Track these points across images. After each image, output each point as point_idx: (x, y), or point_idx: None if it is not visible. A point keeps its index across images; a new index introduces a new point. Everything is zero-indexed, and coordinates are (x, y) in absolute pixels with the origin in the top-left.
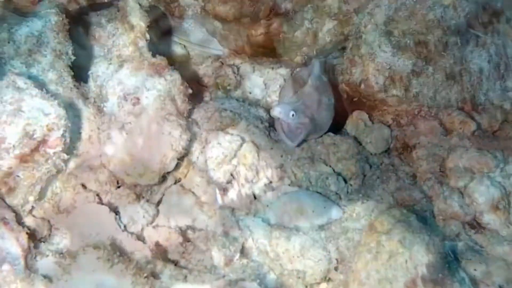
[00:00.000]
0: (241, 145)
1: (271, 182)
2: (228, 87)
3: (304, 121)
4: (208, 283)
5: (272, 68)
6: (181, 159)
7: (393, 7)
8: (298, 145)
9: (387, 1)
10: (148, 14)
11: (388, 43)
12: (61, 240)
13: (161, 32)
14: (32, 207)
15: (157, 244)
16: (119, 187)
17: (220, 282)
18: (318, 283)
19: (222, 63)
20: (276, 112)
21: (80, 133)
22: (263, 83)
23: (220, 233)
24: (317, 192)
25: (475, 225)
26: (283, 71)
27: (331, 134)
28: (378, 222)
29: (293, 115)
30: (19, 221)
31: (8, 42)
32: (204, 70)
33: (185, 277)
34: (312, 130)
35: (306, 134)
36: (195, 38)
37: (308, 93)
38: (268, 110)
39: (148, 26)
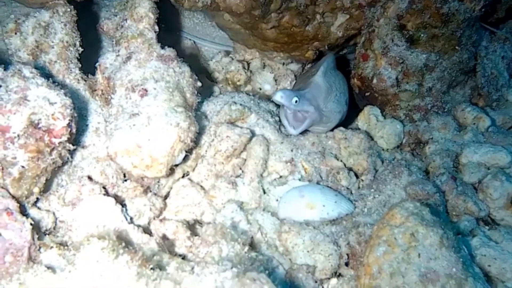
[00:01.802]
0: (250, 139)
1: (281, 176)
2: (238, 83)
3: (308, 109)
4: (216, 274)
5: (283, 64)
6: (189, 152)
7: (407, 0)
8: (301, 133)
9: None
10: (157, 6)
11: (401, 37)
12: (66, 232)
13: (170, 26)
14: (37, 198)
15: (164, 238)
16: (126, 180)
17: (228, 273)
18: (329, 279)
19: (232, 58)
20: (278, 96)
21: (87, 125)
22: (274, 79)
23: (229, 227)
24: (328, 187)
25: (489, 221)
26: (294, 66)
27: (342, 128)
28: (391, 215)
29: (296, 101)
30: (23, 213)
31: (15, 33)
32: (214, 65)
33: (192, 268)
34: (317, 119)
35: (310, 122)
36: (205, 33)
37: (316, 83)
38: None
39: (157, 18)
